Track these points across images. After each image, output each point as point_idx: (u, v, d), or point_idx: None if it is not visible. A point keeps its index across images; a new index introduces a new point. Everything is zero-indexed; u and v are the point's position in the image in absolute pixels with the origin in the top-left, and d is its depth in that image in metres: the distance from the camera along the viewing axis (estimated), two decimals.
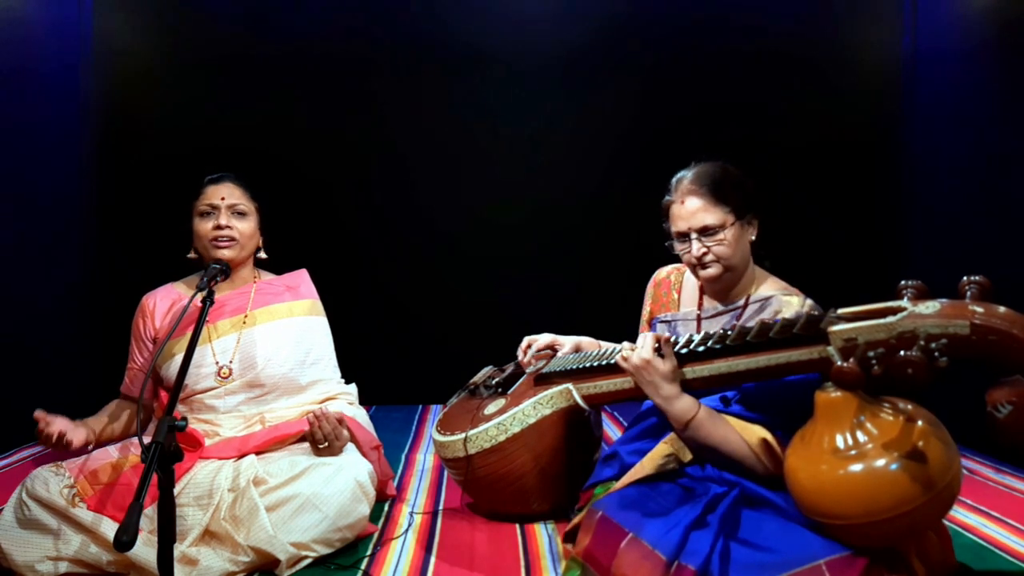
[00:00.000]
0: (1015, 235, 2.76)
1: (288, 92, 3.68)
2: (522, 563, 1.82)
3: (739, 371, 1.54)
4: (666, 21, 3.70)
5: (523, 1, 3.74)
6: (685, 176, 1.79)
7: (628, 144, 3.75)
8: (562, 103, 3.78)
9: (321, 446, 1.95)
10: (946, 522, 1.58)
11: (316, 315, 2.22)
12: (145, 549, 1.65)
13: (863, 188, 3.67)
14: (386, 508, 2.19)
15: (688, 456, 1.68)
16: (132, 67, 3.58)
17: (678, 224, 1.77)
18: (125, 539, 1.23)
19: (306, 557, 1.78)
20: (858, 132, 3.67)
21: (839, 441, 1.34)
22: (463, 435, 2.00)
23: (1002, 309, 1.20)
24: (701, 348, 1.60)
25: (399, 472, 2.58)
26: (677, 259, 1.88)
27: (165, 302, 2.13)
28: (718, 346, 1.57)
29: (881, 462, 1.29)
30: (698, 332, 1.71)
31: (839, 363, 1.29)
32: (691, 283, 1.95)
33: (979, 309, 1.20)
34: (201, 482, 1.82)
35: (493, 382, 2.23)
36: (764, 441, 1.55)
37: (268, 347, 2.07)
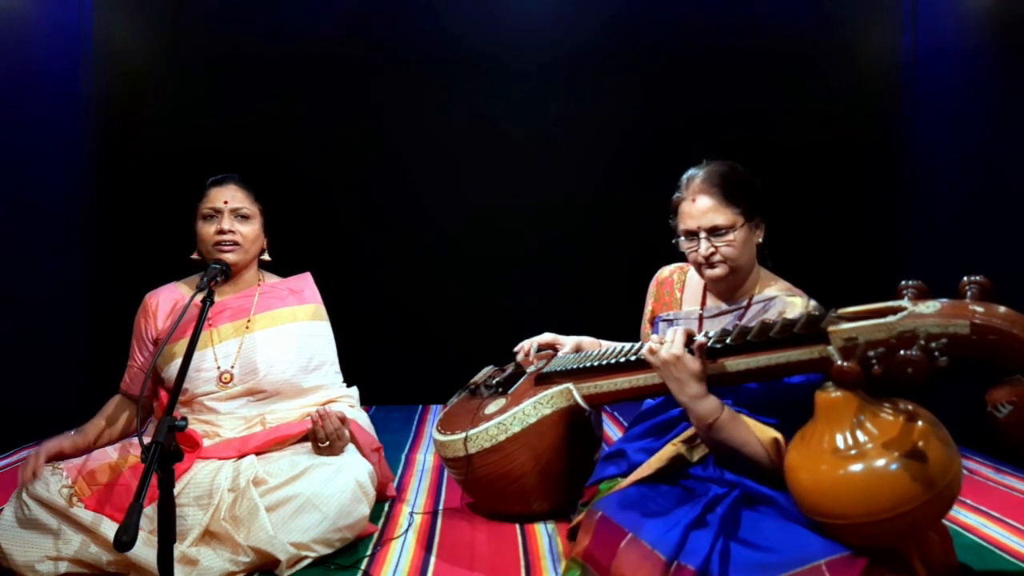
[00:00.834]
0: (1015, 235, 2.75)
1: (288, 92, 3.68)
2: (522, 563, 1.82)
3: (739, 371, 1.54)
4: (666, 22, 3.71)
5: (524, 2, 3.74)
6: (697, 174, 1.77)
7: (628, 144, 3.75)
8: (563, 104, 3.78)
9: (323, 445, 1.94)
10: (946, 522, 1.58)
11: (319, 320, 2.21)
12: (145, 549, 1.65)
13: (863, 188, 3.67)
14: (386, 508, 2.19)
15: (695, 457, 1.67)
16: (132, 67, 3.58)
17: (687, 222, 1.76)
18: (125, 539, 1.23)
19: (306, 557, 1.78)
20: (858, 132, 3.67)
21: (839, 441, 1.34)
22: (463, 435, 2.00)
23: (1002, 309, 1.20)
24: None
25: (399, 472, 2.58)
26: (678, 259, 1.87)
27: (168, 302, 2.11)
28: (718, 346, 1.56)
29: (881, 462, 1.29)
30: (699, 332, 1.71)
31: (839, 363, 1.29)
32: (694, 283, 1.95)
33: (979, 309, 1.20)
34: (201, 482, 1.82)
35: (493, 382, 2.23)
36: (776, 441, 1.55)
37: (270, 352, 2.06)
